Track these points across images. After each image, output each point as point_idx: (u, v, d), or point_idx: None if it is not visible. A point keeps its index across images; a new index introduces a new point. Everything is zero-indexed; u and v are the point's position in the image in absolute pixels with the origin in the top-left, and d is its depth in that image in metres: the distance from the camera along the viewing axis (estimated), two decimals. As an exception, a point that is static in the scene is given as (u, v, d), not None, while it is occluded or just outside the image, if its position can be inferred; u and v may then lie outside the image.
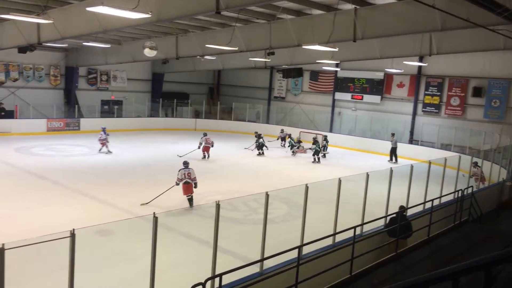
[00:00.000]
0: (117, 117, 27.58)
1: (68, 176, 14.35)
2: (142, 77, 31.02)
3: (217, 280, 5.63)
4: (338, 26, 12.71)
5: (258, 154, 20.72)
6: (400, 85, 25.46)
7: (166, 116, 29.75)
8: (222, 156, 19.99)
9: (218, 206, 5.89)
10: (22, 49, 16.82)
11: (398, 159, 20.76)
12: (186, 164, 11.90)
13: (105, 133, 18.90)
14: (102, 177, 14.70)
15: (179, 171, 11.72)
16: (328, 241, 7.55)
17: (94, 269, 7.27)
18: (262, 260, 6.45)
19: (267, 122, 29.79)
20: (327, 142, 22.00)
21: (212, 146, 19.06)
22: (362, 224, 8.12)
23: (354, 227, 7.63)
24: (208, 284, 5.52)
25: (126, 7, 9.24)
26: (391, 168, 9.20)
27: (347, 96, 27.52)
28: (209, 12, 10.65)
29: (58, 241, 4.67)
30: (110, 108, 28.53)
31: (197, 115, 30.89)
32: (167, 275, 6.92)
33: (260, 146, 20.92)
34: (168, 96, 30.54)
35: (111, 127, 25.25)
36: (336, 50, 14.80)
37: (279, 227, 10.20)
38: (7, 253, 4.24)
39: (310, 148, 20.13)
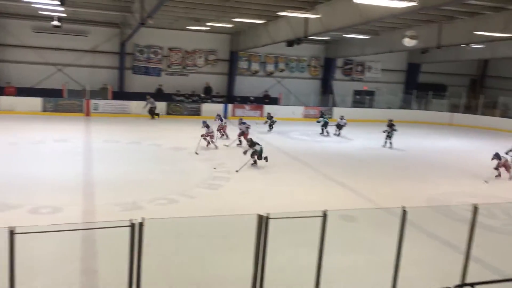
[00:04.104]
0: (368, 107, 27.98)
1: (318, 160, 15.35)
2: (396, 68, 30.43)
3: (467, 289, 5.10)
4: None
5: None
6: None
7: (419, 108, 28.42)
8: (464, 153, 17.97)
9: (475, 209, 5.33)
10: (290, 43, 18.71)
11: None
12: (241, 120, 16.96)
13: (221, 120, 18.44)
14: (350, 164, 15.17)
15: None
16: None
17: (337, 251, 7.59)
18: (526, 280, 5.51)
19: (543, 121, 25.08)
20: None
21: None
22: None
23: None
24: (456, 292, 5.06)
25: (391, -4, 9.15)
26: None
27: None
28: (483, -6, 9.54)
29: (309, 218, 5.08)
30: (362, 98, 29.10)
31: (454, 109, 28.39)
32: (407, 271, 6.65)
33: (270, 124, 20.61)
34: (423, 88, 29.08)
35: (361, 117, 25.86)
36: None
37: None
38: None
39: None
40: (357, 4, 11.68)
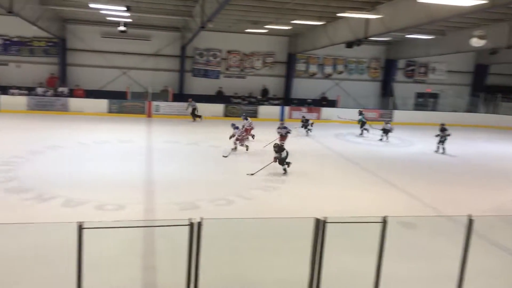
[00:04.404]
0: (431, 110, 26.91)
1: (375, 164, 14.93)
2: (463, 69, 29.05)
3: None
4: None
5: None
6: None
7: (487, 112, 26.91)
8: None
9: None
10: (349, 44, 18.40)
11: None
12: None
13: (246, 119, 17.13)
14: (410, 169, 14.63)
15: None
16: None
17: (396, 259, 7.34)
18: None
19: None
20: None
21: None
22: None
23: None
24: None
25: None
26: None
27: None
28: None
29: (367, 224, 4.95)
30: (425, 101, 28.03)
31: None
32: (471, 283, 6.32)
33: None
34: (491, 90, 27.53)
35: (424, 120, 24.91)
36: None
37: None
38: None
39: None
40: (422, 3, 11.26)
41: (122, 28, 20.71)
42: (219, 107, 24.02)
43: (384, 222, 4.93)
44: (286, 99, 26.52)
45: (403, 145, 18.96)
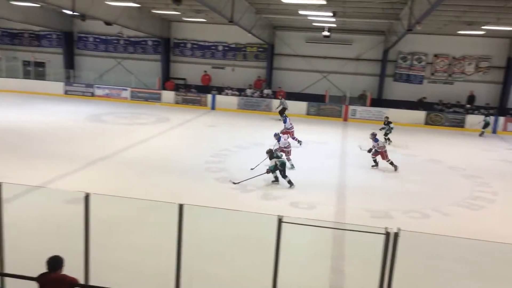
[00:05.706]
0: None
1: None
2: None
3: None
4: None
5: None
6: None
7: None
8: None
9: None
10: None
11: None
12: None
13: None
14: None
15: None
16: None
17: None
18: None
19: None
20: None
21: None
22: None
23: None
24: None
25: None
26: None
27: None
28: None
29: None
30: None
31: None
32: None
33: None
34: None
35: None
36: None
37: None
38: None
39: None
40: None
41: (326, 33, 21.31)
42: (420, 114, 22.63)
43: None
44: (501, 109, 23.34)
45: None
